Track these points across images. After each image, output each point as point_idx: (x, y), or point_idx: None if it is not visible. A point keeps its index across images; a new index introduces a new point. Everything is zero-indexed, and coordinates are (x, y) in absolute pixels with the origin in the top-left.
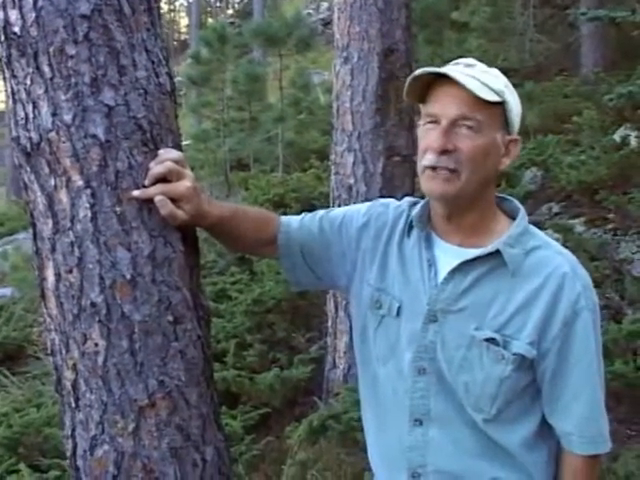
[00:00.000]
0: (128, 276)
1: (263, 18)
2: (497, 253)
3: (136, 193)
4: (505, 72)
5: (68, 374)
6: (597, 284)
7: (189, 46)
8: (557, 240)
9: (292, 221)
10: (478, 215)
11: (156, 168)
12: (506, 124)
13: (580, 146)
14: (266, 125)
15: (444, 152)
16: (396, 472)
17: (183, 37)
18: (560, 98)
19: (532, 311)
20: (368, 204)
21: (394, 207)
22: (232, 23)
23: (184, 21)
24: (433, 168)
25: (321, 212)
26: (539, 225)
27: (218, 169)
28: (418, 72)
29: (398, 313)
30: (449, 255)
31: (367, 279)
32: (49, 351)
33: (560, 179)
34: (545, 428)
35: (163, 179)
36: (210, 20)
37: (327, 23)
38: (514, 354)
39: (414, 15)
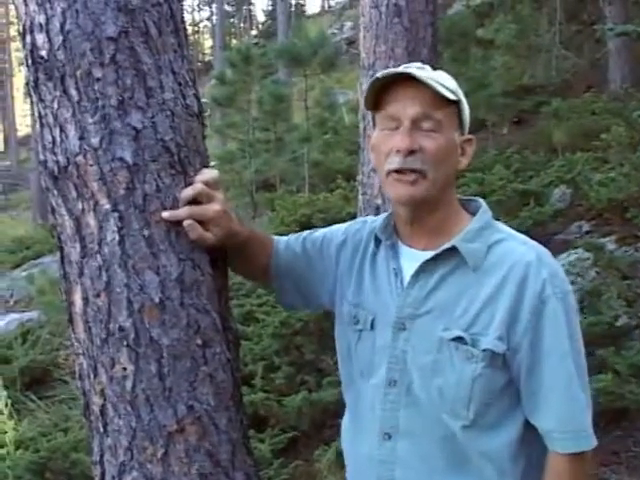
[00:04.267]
0: (156, 300)
1: (287, 38)
2: (457, 250)
3: (165, 215)
4: (532, 89)
5: (96, 399)
6: (629, 303)
7: (213, 67)
8: (587, 260)
9: (280, 242)
10: (441, 216)
11: (185, 191)
12: (460, 124)
13: (609, 163)
14: (292, 145)
15: (410, 153)
16: None
17: (207, 58)
18: (588, 115)
19: (498, 305)
20: (349, 223)
21: (370, 222)
22: (256, 44)
23: (208, 42)
24: (399, 171)
25: (305, 232)
26: (569, 244)
27: (244, 190)
28: (379, 74)
29: (372, 326)
30: (413, 260)
31: (346, 296)
32: (77, 376)
33: (590, 197)
34: (529, 433)
35: (194, 201)
36: (234, 41)
37: (351, 42)
38: (483, 350)
39: (439, 33)
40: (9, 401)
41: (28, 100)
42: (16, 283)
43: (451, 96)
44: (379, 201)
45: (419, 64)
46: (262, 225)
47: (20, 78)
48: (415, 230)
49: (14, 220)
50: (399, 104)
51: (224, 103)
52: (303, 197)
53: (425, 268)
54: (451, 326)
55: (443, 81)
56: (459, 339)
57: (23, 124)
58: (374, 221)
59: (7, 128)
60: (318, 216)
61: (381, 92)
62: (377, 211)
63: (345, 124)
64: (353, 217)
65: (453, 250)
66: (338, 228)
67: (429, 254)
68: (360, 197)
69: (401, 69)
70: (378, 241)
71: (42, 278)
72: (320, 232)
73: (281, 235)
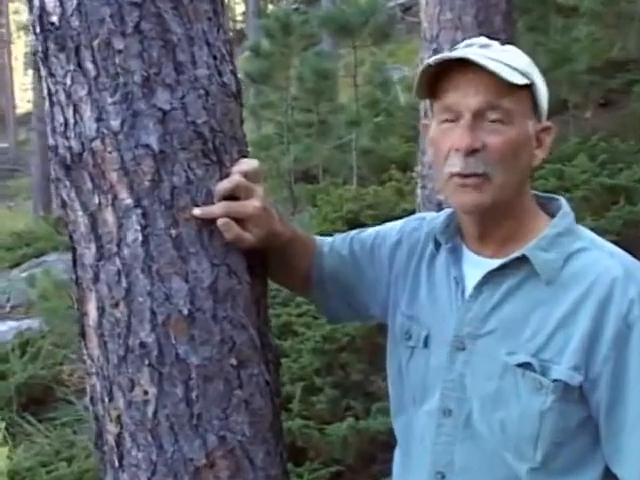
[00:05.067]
0: (185, 311)
1: (333, 4)
2: (528, 260)
3: (196, 212)
4: (622, 65)
5: (111, 427)
6: None
7: (246, 37)
8: None
9: (324, 244)
10: (514, 223)
11: (220, 184)
12: (535, 110)
13: None
14: (337, 130)
15: (472, 152)
16: None
17: (239, 26)
18: None
19: (575, 327)
20: (404, 220)
21: (429, 219)
22: (297, 9)
23: (240, 8)
24: (462, 175)
25: (353, 232)
26: None
27: (281, 181)
28: (431, 60)
29: (426, 343)
30: (478, 268)
31: (399, 306)
32: (89, 399)
33: None
34: None
35: (230, 197)
36: (270, 6)
37: (407, 9)
38: (554, 381)
39: None
40: (3, 424)
41: (29, 72)
42: (14, 285)
43: (520, 80)
44: (441, 196)
45: (484, 40)
46: (302, 223)
47: (20, 45)
48: (485, 237)
49: (12, 211)
50: (458, 93)
51: (259, 79)
52: (350, 190)
53: (490, 279)
54: (517, 350)
55: (511, 61)
56: (526, 365)
57: (23, 100)
58: (434, 219)
59: (4, 104)
60: (367, 213)
61: (436, 78)
62: (439, 208)
63: (400, 105)
64: (409, 214)
65: (523, 259)
66: (392, 227)
67: (496, 262)
68: (419, 191)
69: (457, 53)
70: (438, 243)
71: (45, 280)
72: (371, 231)
73: (324, 235)
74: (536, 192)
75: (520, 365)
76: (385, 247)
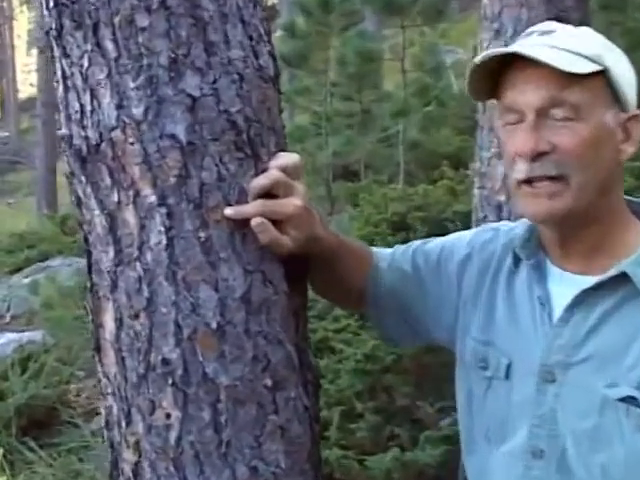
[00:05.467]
0: (214, 324)
1: None
2: (627, 277)
3: (228, 212)
4: None
5: (128, 455)
6: None
7: (279, 14)
8: None
9: (382, 256)
10: (603, 230)
11: (256, 180)
12: (616, 98)
13: None
14: (382, 120)
15: (539, 156)
16: None
17: (270, 2)
18: None
19: None
20: (474, 230)
21: (505, 231)
22: None
23: None
24: (529, 181)
25: (416, 243)
26: None
27: (317, 178)
28: (478, 59)
29: (507, 374)
30: (567, 287)
31: (470, 331)
32: (103, 423)
33: None
34: None
35: (266, 194)
36: None
37: None
38: None
39: None
40: (0, 450)
41: (33, 52)
42: (15, 293)
43: (584, 68)
44: (502, 197)
45: (546, 26)
46: (340, 225)
47: (23, 21)
48: (569, 250)
49: (12, 209)
50: (515, 91)
51: (293, 62)
52: (396, 189)
53: (584, 299)
54: (618, 381)
55: (578, 47)
56: (630, 400)
57: (26, 83)
58: (511, 230)
59: (5, 88)
60: (415, 215)
61: (492, 75)
62: (498, 211)
63: (454, 92)
64: (464, 217)
65: (621, 277)
66: (460, 238)
67: (589, 280)
68: (476, 192)
69: (513, 47)
70: (517, 259)
71: (49, 287)
72: (436, 243)
73: (365, 240)
74: (630, 197)
75: (623, 399)
76: (453, 262)
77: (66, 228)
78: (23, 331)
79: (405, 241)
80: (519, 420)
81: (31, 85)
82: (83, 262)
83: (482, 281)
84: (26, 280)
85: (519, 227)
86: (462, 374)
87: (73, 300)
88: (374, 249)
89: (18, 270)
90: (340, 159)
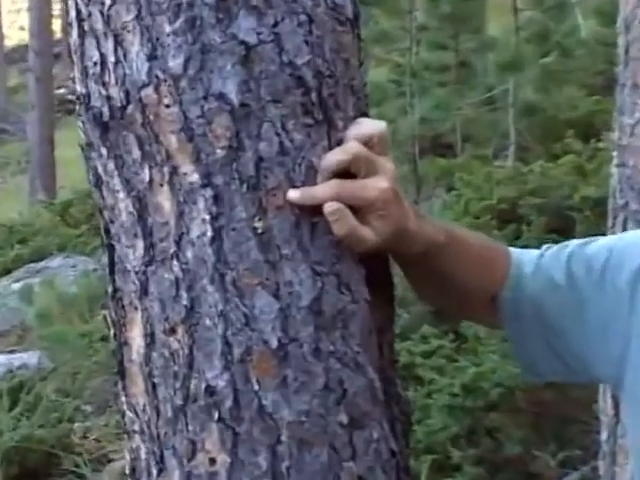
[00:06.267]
0: (273, 342)
1: None
2: None
3: (293, 196)
4: None
5: None
6: None
7: None
8: None
9: (523, 258)
10: None
11: (331, 154)
12: None
13: None
14: (485, 76)
15: None
16: None
17: None
18: None
19: None
20: None
21: None
22: None
23: None
24: None
25: (573, 245)
26: None
27: (399, 153)
28: None
29: None
30: None
31: None
32: (128, 470)
33: None
34: None
35: (343, 173)
36: None
37: None
38: None
39: None
40: None
41: None
42: (2, 302)
43: None
44: None
45: None
46: (430, 215)
47: None
48: None
49: None
50: None
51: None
52: (504, 168)
53: None
54: None
55: None
56: None
57: (14, 27)
58: None
59: None
60: (530, 202)
61: None
62: None
63: (582, 39)
64: (596, 205)
65: None
66: (634, 241)
67: None
68: (614, 170)
69: None
70: None
71: (47, 294)
72: (600, 245)
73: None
74: None
75: None
76: (624, 271)
77: (68, 217)
78: (13, 352)
79: (515, 237)
80: None
81: (21, 29)
82: (90, 262)
83: None
84: (16, 285)
85: None
86: (637, 417)
87: (78, 311)
88: (511, 249)
89: (7, 273)
90: (429, 128)
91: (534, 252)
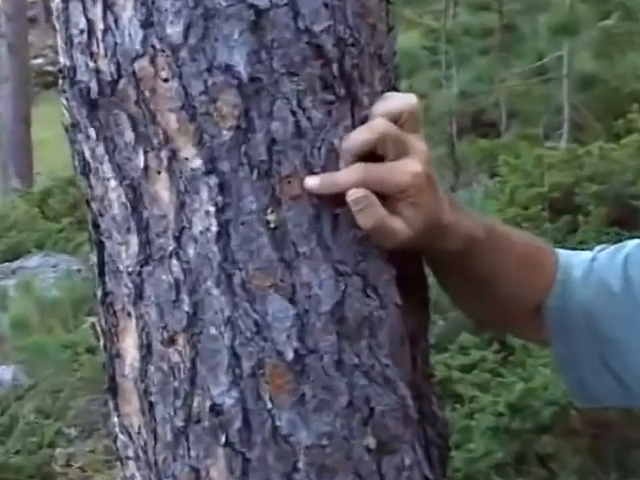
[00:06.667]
0: (289, 353)
1: None
2: None
3: (311, 183)
4: None
5: None
6: None
7: None
8: None
9: (572, 261)
10: None
11: (355, 134)
12: None
13: None
14: (535, 42)
15: None
16: None
17: None
18: None
19: None
20: None
21: None
22: None
23: None
24: None
25: (631, 245)
26: None
27: (435, 131)
28: None
29: None
30: None
31: None
32: None
33: None
34: None
35: (369, 156)
36: None
37: None
38: None
39: None
40: None
41: None
42: None
43: None
44: None
45: None
46: (469, 204)
47: None
48: None
49: None
50: None
51: None
52: (557, 149)
53: None
54: None
55: None
56: None
57: None
58: None
59: None
60: (588, 190)
61: None
62: None
63: None
64: None
65: None
66: None
67: None
68: None
69: None
70: None
71: (24, 299)
72: None
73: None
74: None
75: None
76: None
77: (47, 209)
78: None
79: (570, 231)
80: None
81: None
82: (74, 261)
83: None
84: None
85: None
86: None
87: (59, 319)
88: (559, 250)
89: None
90: (469, 103)
91: (585, 254)
